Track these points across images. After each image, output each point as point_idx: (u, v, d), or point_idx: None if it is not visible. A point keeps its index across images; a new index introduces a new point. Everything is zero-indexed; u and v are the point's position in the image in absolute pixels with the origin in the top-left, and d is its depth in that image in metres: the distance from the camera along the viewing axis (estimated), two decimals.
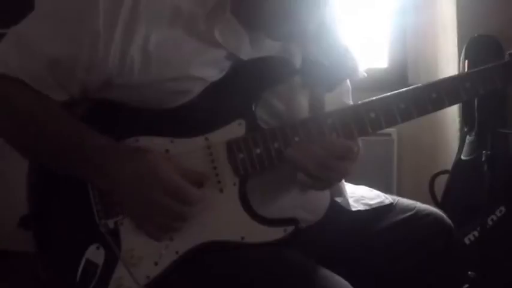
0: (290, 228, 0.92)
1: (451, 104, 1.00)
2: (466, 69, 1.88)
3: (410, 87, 0.99)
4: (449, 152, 2.04)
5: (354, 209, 1.16)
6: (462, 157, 1.84)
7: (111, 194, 0.91)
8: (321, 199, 1.11)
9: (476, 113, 1.80)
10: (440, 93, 0.98)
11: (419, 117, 0.99)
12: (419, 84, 0.99)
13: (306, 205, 1.06)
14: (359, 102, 0.98)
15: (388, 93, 0.98)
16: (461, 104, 1.90)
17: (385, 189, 1.29)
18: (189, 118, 0.92)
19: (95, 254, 0.91)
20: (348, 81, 1.16)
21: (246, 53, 0.95)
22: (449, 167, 1.91)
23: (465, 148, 1.84)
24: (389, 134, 2.36)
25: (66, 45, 0.89)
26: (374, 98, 0.97)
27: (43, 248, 0.97)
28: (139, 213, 0.90)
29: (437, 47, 2.25)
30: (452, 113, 2.10)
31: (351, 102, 1.17)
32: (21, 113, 0.94)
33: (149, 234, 0.90)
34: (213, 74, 0.93)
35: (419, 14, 2.41)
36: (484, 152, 1.68)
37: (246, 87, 0.94)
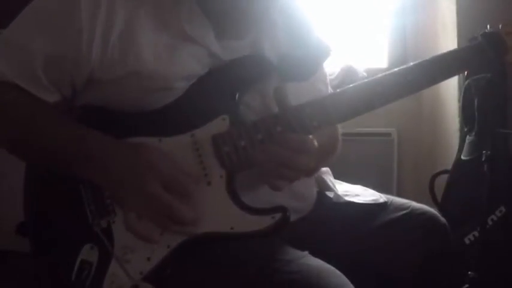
0: (278, 216, 0.93)
1: (426, 86, 1.04)
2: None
3: (384, 74, 1.03)
4: (449, 152, 2.04)
5: (347, 198, 1.18)
6: (462, 157, 1.84)
7: (109, 190, 0.93)
8: (308, 188, 1.14)
9: (476, 113, 1.80)
10: (416, 76, 1.02)
11: (394, 102, 1.02)
12: (394, 70, 1.04)
13: (294, 195, 1.08)
14: (337, 90, 1.02)
15: (362, 81, 1.01)
16: (461, 103, 1.90)
17: (385, 189, 1.30)
18: (174, 117, 0.96)
19: (89, 253, 0.93)
20: (324, 67, 1.19)
21: (215, 45, 0.99)
22: (449, 167, 1.91)
23: (465, 148, 1.84)
24: (389, 134, 2.37)
25: (54, 43, 0.94)
26: (351, 85, 1.01)
27: (40, 251, 1.00)
28: (138, 207, 0.91)
29: (437, 47, 2.25)
30: (452, 113, 2.10)
31: (329, 88, 1.20)
32: (20, 118, 0.98)
33: (137, 232, 0.91)
34: (193, 70, 0.98)
35: (419, 13, 2.41)
36: (484, 152, 1.68)
37: (227, 85, 0.98)
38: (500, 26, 1.08)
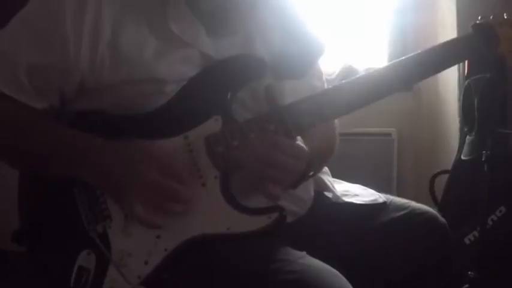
0: (274, 215, 0.93)
1: (420, 80, 1.05)
2: (466, 69, 1.88)
3: (377, 70, 1.03)
4: (449, 152, 2.04)
5: (346, 199, 1.18)
6: (462, 157, 1.84)
7: (107, 188, 0.93)
8: (306, 191, 1.13)
9: (476, 113, 1.80)
10: (409, 70, 1.01)
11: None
12: (387, 65, 1.04)
13: (291, 197, 1.07)
14: (330, 86, 1.02)
15: (356, 77, 1.02)
16: (461, 103, 1.90)
17: (385, 189, 1.29)
18: (167, 120, 0.96)
19: (86, 259, 0.92)
20: (319, 64, 1.18)
21: (206, 45, 0.99)
22: (449, 167, 1.91)
23: (465, 148, 1.84)
24: (389, 134, 2.37)
25: (39, 52, 0.94)
26: (344, 81, 1.01)
27: (37, 258, 1.00)
28: (141, 197, 0.90)
29: None
30: (452, 113, 2.10)
31: (325, 85, 1.19)
32: (9, 124, 0.98)
33: (146, 221, 0.91)
34: (185, 73, 0.97)
35: (419, 13, 2.41)
36: (484, 152, 1.67)
37: (220, 85, 0.98)
38: (491, 17, 1.05)
